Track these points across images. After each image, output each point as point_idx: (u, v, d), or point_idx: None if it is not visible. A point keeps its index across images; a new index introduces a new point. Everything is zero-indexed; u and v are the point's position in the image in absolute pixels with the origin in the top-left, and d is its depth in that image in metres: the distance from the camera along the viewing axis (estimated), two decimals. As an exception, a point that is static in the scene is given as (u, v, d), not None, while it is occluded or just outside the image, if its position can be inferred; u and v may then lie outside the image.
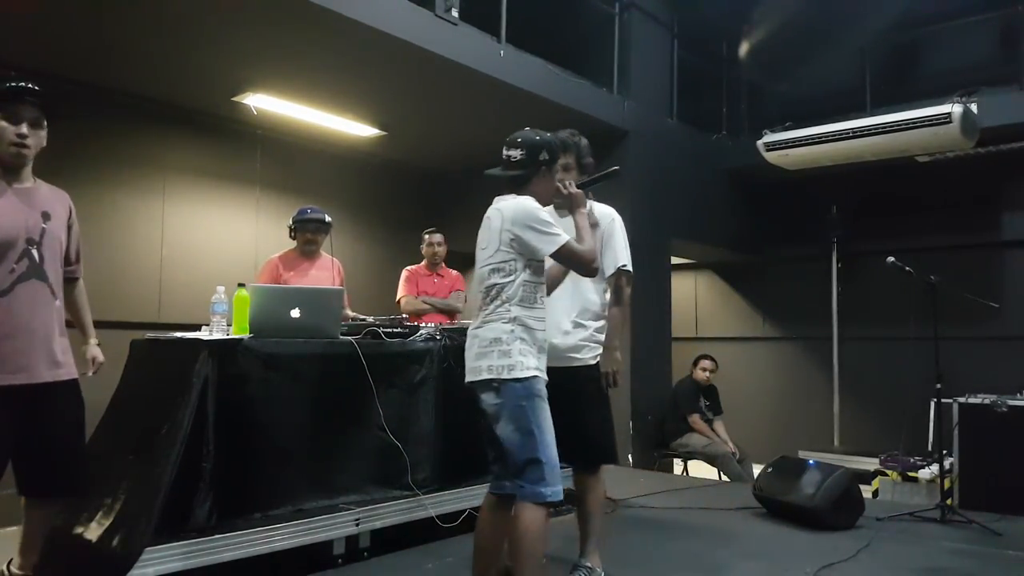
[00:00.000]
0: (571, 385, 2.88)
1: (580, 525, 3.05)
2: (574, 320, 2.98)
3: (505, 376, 2.48)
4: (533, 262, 2.57)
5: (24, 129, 2.45)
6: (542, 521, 2.45)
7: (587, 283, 2.97)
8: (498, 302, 2.55)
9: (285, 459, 3.10)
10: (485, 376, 2.51)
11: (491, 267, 2.58)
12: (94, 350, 2.83)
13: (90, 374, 2.79)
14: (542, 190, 2.66)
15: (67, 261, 2.69)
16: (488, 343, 2.53)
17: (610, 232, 3.07)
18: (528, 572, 2.41)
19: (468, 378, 2.59)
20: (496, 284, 2.57)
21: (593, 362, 3.00)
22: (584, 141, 3.08)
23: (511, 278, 2.55)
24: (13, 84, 2.47)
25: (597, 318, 3.04)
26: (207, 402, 2.81)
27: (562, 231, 2.56)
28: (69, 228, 2.68)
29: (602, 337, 3.05)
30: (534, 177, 2.64)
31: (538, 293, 2.60)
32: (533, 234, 2.52)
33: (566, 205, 2.81)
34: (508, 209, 2.58)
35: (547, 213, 2.60)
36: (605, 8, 6.69)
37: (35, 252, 2.45)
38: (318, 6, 4.10)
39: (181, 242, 5.66)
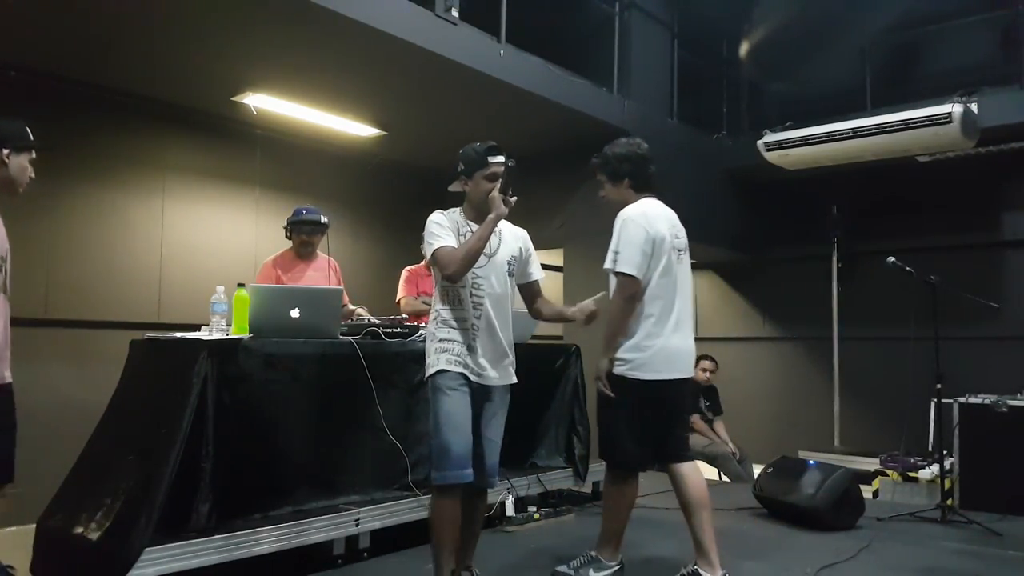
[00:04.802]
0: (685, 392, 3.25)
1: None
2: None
3: (426, 375, 2.78)
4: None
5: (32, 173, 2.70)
6: (436, 505, 2.70)
7: (689, 291, 3.21)
8: (433, 307, 2.85)
9: (285, 459, 3.10)
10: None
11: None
12: None
13: None
14: (474, 197, 2.82)
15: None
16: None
17: (615, 232, 3.10)
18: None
19: None
20: (433, 290, 2.90)
21: None
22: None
23: (435, 283, 2.85)
24: (36, 138, 2.69)
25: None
26: (207, 402, 2.81)
27: (443, 239, 2.72)
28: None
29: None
30: (460, 187, 2.85)
31: (457, 296, 2.77)
32: (425, 243, 2.77)
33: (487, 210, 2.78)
34: None
35: (438, 223, 2.77)
36: (605, 8, 6.69)
37: (6, 268, 2.65)
38: (318, 6, 4.10)
39: (181, 242, 5.65)
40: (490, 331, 2.79)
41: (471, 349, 2.75)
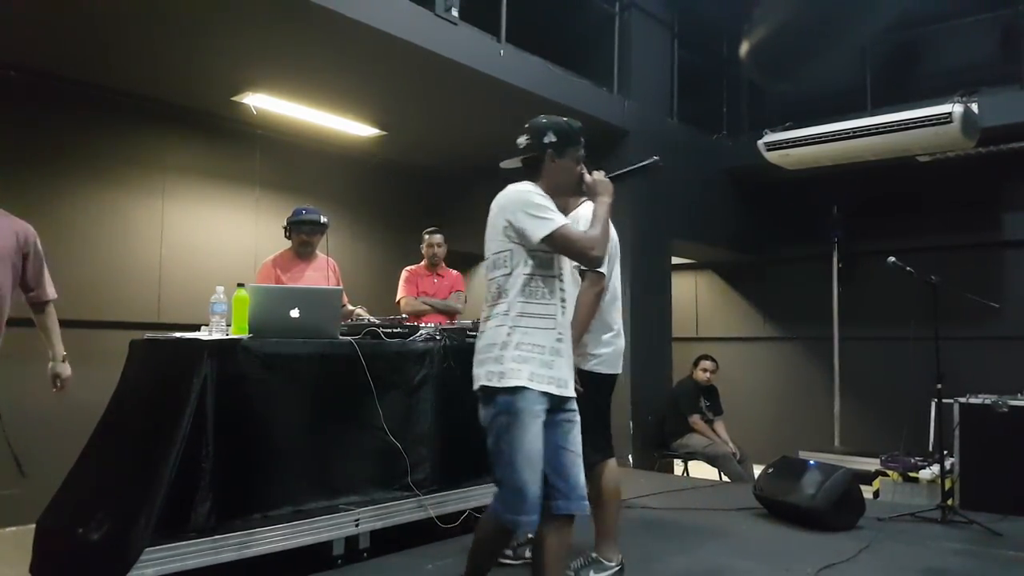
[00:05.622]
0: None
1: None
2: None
3: (495, 384, 2.27)
4: (536, 253, 2.33)
5: None
6: (491, 536, 2.40)
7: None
8: (499, 300, 2.35)
9: (285, 459, 3.10)
10: (481, 383, 2.33)
11: (491, 260, 2.41)
12: (58, 367, 3.06)
13: (53, 390, 3.01)
14: (559, 177, 2.46)
15: (26, 287, 2.95)
16: (485, 347, 2.34)
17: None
18: None
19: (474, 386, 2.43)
20: (495, 278, 2.38)
21: None
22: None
23: (508, 270, 2.35)
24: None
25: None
26: (207, 402, 2.81)
27: (560, 216, 2.35)
28: (24, 258, 2.91)
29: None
30: (544, 162, 2.45)
31: (546, 288, 2.34)
32: (525, 218, 2.31)
33: (588, 193, 2.57)
34: (503, 197, 2.40)
35: (545, 198, 2.36)
36: (605, 8, 6.69)
37: None
38: (318, 6, 4.09)
39: (180, 242, 5.65)
40: (569, 333, 2.42)
41: (558, 353, 2.32)
